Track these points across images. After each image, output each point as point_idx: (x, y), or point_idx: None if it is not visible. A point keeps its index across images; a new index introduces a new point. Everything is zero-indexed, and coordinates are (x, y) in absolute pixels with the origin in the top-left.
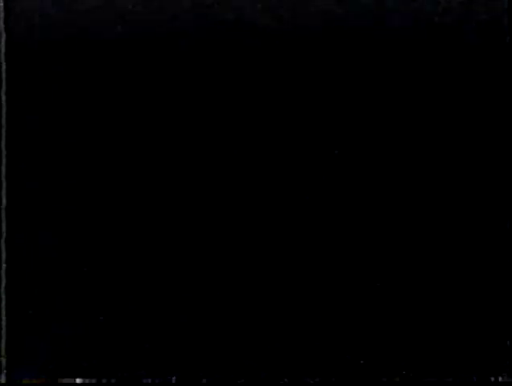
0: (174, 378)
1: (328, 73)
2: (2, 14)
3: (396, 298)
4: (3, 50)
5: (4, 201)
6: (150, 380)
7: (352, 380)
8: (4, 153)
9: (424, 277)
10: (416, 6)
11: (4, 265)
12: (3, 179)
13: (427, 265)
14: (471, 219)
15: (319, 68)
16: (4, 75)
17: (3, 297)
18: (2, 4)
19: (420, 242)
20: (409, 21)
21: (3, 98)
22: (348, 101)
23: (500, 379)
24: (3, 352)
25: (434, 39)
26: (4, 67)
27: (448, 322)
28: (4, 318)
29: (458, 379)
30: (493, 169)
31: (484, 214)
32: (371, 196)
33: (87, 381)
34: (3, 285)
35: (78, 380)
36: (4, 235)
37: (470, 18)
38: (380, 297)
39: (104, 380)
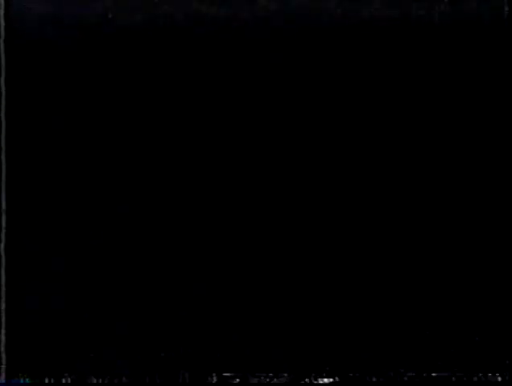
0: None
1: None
2: (3, 12)
3: (397, 298)
4: (3, 48)
5: (4, 203)
6: (149, 380)
7: (354, 377)
8: (4, 153)
9: (425, 277)
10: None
11: (4, 266)
12: (3, 180)
13: (427, 265)
14: (472, 216)
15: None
16: (4, 75)
17: (3, 295)
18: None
19: (422, 242)
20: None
21: (3, 98)
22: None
23: (500, 378)
24: (3, 352)
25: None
26: (4, 65)
27: (448, 321)
28: (4, 318)
29: (459, 377)
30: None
31: (484, 212)
32: (372, 195)
33: (87, 381)
34: (3, 284)
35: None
36: (4, 236)
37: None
38: (381, 295)
39: (105, 380)
